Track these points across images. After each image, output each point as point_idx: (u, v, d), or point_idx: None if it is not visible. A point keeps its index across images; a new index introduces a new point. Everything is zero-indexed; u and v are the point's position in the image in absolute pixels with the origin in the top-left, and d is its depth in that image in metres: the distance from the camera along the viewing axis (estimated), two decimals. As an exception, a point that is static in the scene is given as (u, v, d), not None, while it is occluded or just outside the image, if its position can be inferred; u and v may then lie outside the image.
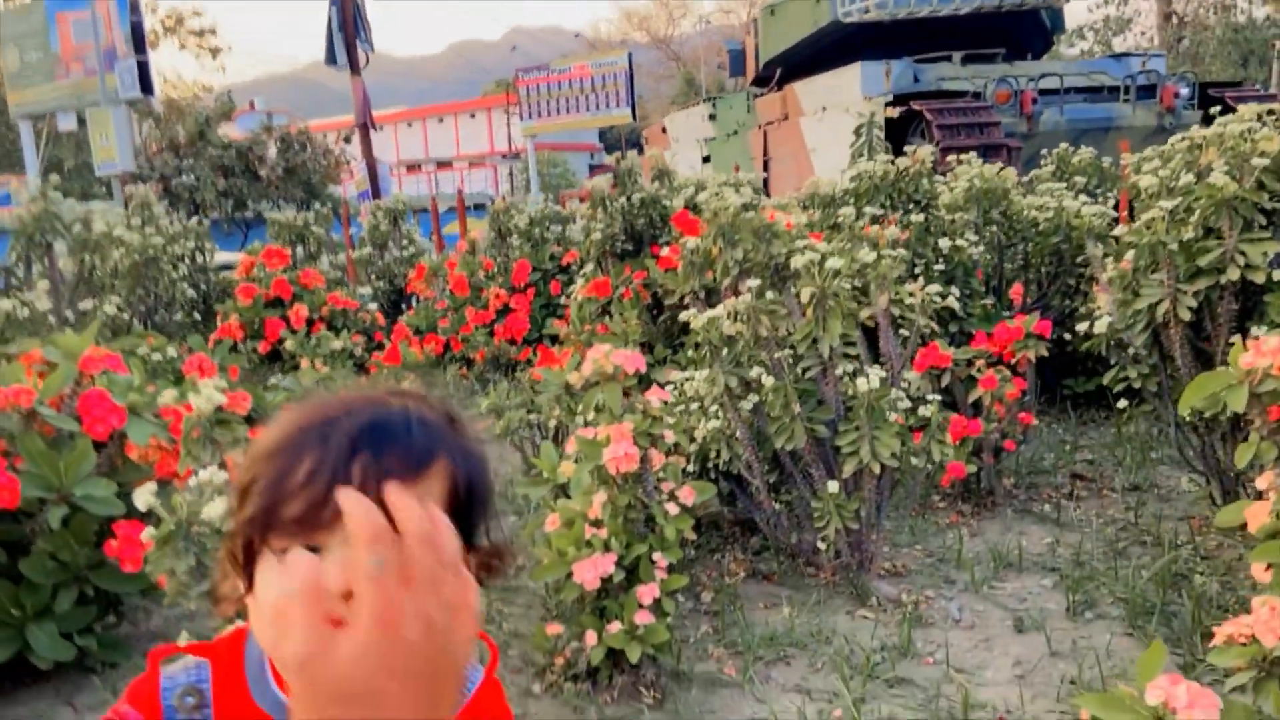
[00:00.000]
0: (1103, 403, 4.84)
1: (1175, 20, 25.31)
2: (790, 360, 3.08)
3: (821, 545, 3.05)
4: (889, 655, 2.72)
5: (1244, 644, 1.61)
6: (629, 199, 4.89)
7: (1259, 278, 2.98)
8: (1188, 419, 3.33)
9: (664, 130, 16.40)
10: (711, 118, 14.09)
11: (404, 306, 8.70)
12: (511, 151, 46.22)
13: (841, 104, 10.97)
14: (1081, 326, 3.50)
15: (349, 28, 15.98)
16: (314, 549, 0.60)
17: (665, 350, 4.57)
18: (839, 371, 2.91)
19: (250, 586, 0.62)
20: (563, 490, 3.11)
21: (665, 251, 4.53)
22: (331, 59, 16.06)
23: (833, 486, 2.93)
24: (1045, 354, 3.73)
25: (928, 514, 3.73)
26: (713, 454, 3.20)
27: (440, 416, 0.71)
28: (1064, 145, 6.58)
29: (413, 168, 40.95)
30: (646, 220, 4.91)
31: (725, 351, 3.08)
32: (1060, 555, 3.31)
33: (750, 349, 3.07)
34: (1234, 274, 3.01)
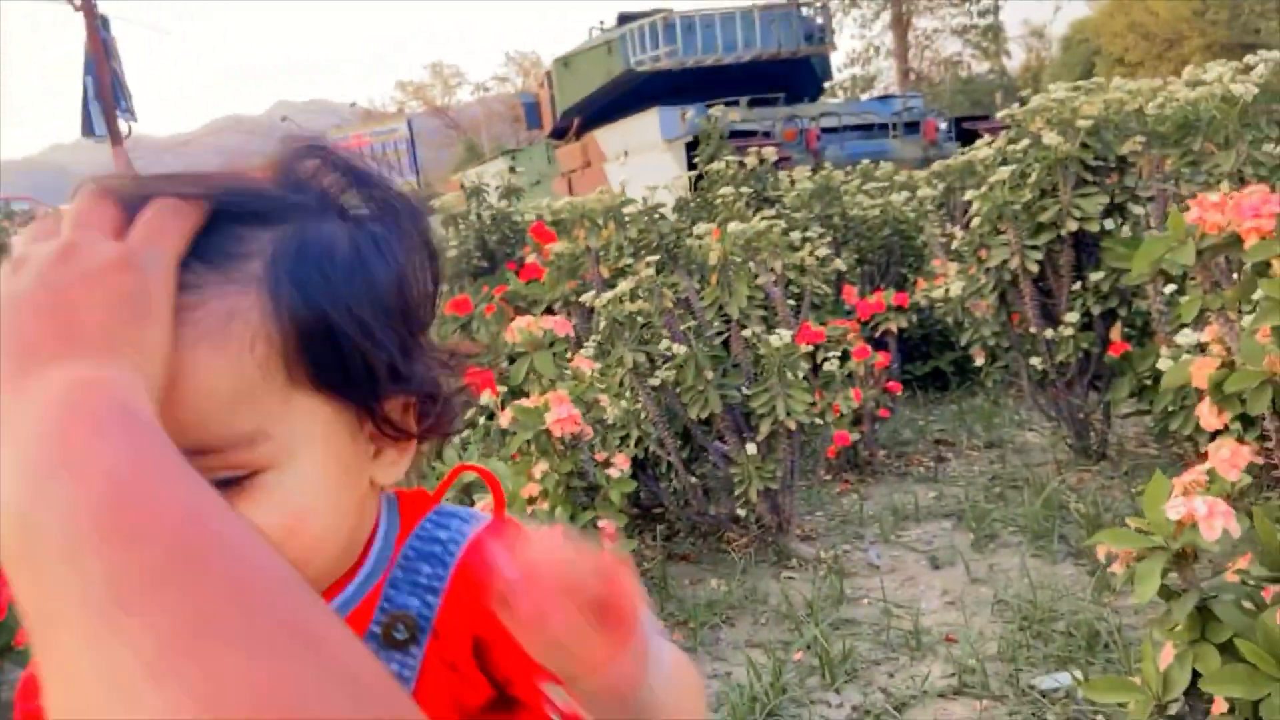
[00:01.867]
0: (938, 384, 5.20)
1: (913, 77, 28.09)
2: (694, 331, 3.12)
3: (741, 511, 3.08)
4: (825, 604, 2.77)
5: (1203, 490, 1.76)
6: (479, 215, 4.83)
7: (1093, 227, 3.33)
8: (1039, 368, 3.65)
9: (461, 185, 16.29)
10: (512, 170, 14.14)
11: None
12: (287, 226, 44.37)
13: (643, 147, 11.36)
14: (937, 293, 3.77)
15: (106, 94, 14.92)
16: None
17: (534, 361, 4.51)
18: (747, 333, 2.98)
19: None
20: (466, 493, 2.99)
21: (529, 261, 4.50)
22: (89, 129, 14.90)
23: (751, 449, 2.98)
24: (905, 326, 3.97)
25: (816, 486, 3.85)
26: (616, 441, 3.17)
27: (289, 189, 0.54)
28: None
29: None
30: (499, 237, 4.86)
31: (627, 331, 3.08)
32: (948, 505, 3.50)
33: (655, 325, 3.09)
34: (1072, 226, 3.35)
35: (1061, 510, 3.23)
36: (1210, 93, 2.84)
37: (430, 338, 0.59)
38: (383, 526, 0.59)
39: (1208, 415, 1.83)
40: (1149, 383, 3.35)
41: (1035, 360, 3.64)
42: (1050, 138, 3.27)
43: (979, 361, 3.82)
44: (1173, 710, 1.50)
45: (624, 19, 12.75)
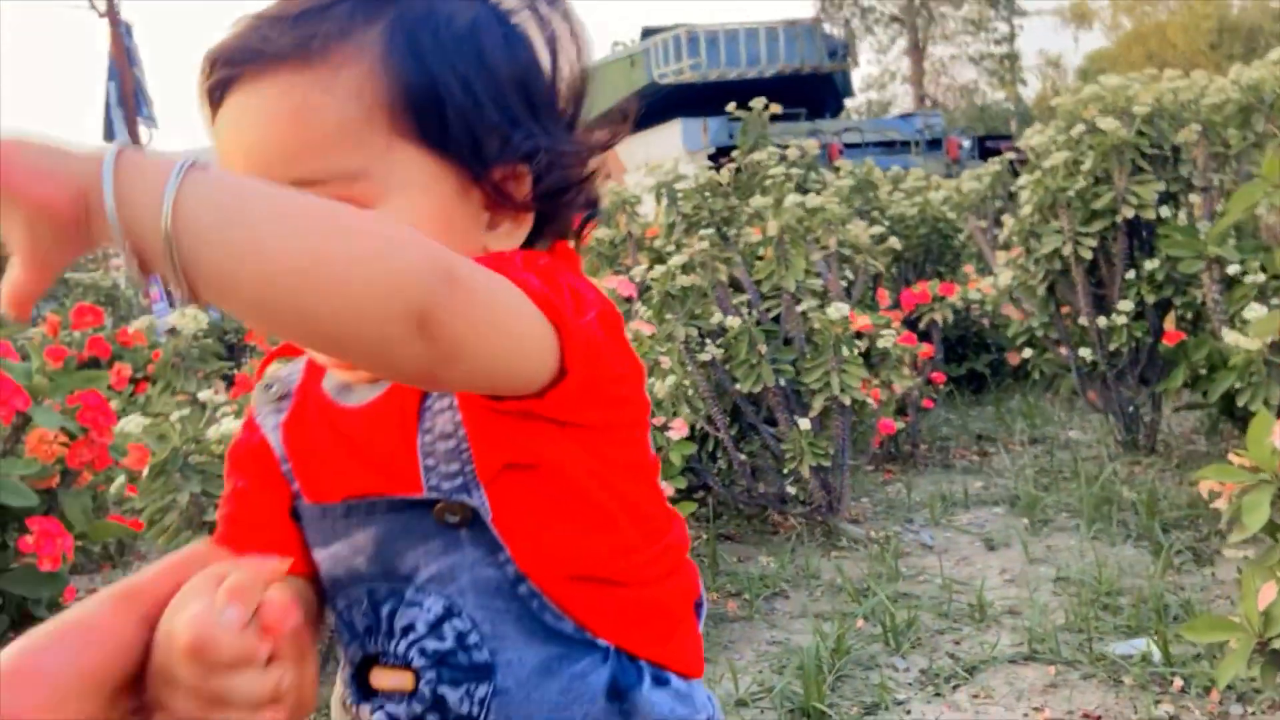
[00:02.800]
0: (974, 386, 5.16)
1: (928, 103, 28.20)
2: (746, 306, 3.10)
3: (792, 489, 3.04)
4: (879, 581, 2.73)
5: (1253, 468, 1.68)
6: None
7: (1150, 214, 3.31)
8: (1089, 360, 3.62)
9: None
10: (531, 181, 14.25)
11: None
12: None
13: (665, 158, 11.42)
14: (974, 294, 3.74)
15: (129, 101, 15.06)
16: None
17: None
18: (801, 308, 2.96)
19: None
20: None
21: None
22: (111, 135, 15.06)
23: (804, 423, 2.95)
24: (949, 316, 3.95)
25: (860, 474, 3.81)
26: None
27: None
28: None
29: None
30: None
31: (679, 305, 3.06)
32: (997, 493, 3.46)
33: (708, 298, 3.07)
34: (1128, 213, 3.33)
35: (1114, 498, 3.19)
36: (1274, 74, 2.83)
37: (561, 121, 0.63)
38: None
39: None
40: (1203, 372, 3.32)
41: (1085, 351, 3.61)
42: (1107, 123, 3.26)
43: (1019, 360, 3.79)
44: (1277, 645, 1.46)
45: (647, 33, 12.85)
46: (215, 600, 0.46)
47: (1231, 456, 1.54)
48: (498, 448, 0.57)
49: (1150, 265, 3.37)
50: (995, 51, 28.67)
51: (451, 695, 0.58)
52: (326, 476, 0.62)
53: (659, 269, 3.03)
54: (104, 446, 2.70)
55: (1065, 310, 3.70)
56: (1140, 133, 3.32)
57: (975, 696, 2.07)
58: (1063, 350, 3.72)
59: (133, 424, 1.82)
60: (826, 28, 12.15)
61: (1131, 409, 3.68)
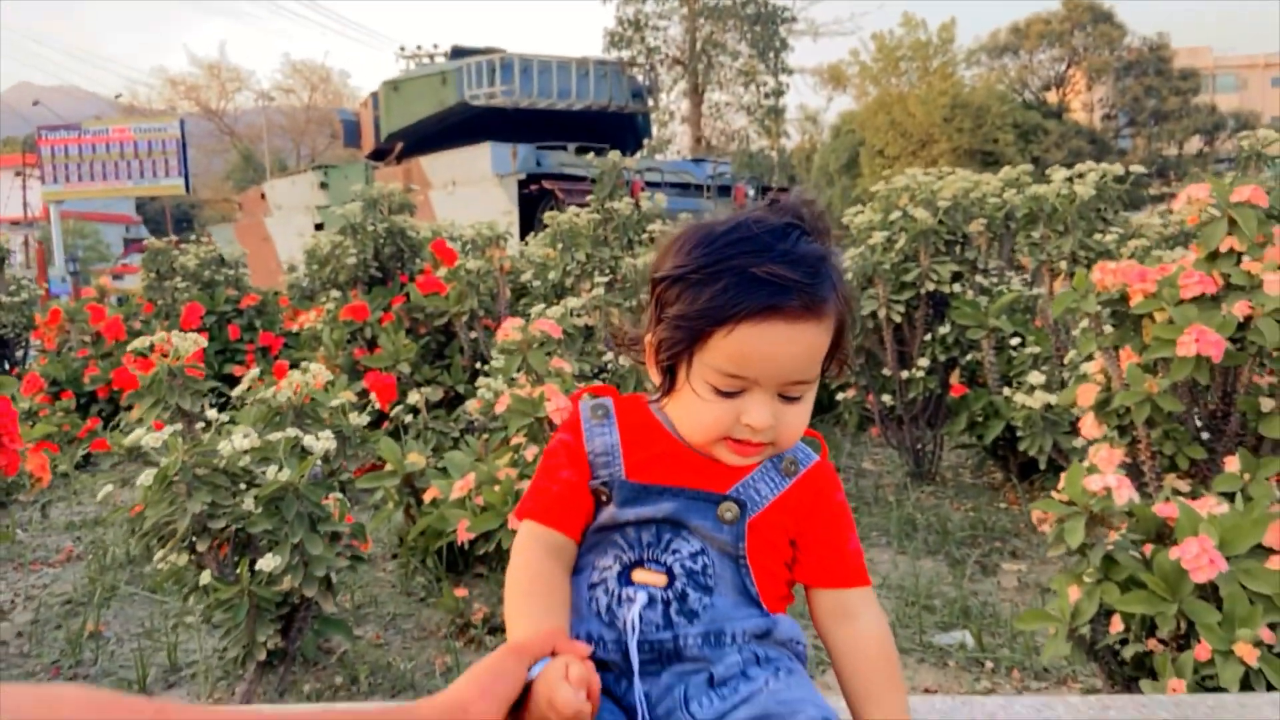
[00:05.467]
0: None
1: (703, 144, 29.91)
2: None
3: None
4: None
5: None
6: (375, 226, 4.99)
7: (946, 289, 4.06)
8: (887, 404, 4.33)
9: (263, 196, 15.77)
10: (323, 185, 13.94)
11: (7, 363, 7.50)
12: (27, 219, 40.33)
13: (472, 180, 11.63)
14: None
15: None
16: (730, 394, 0.93)
17: (431, 371, 4.71)
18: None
19: (673, 384, 0.98)
20: (407, 481, 3.22)
21: (427, 275, 4.72)
22: None
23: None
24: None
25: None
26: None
27: (818, 222, 0.97)
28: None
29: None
30: (394, 249, 5.03)
31: (576, 343, 3.43)
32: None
33: (596, 342, 3.46)
34: (929, 286, 4.06)
35: (914, 521, 3.88)
36: (1054, 190, 3.63)
37: None
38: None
39: (1090, 427, 2.45)
40: (979, 420, 4.10)
41: (886, 397, 4.33)
42: (919, 213, 3.98)
43: (840, 397, 4.46)
44: (1082, 631, 2.06)
45: (459, 53, 13.03)
46: (572, 685, 0.85)
47: (1054, 493, 2.14)
48: (771, 523, 1.01)
49: (943, 330, 4.12)
50: (764, 104, 30.85)
51: (692, 595, 0.97)
52: (654, 469, 1.00)
53: (555, 309, 3.38)
54: (14, 452, 2.70)
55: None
56: (941, 221, 4.08)
57: (840, 679, 2.58)
58: (870, 396, 4.42)
59: (147, 437, 1.95)
60: (633, 70, 12.78)
61: (919, 446, 4.43)
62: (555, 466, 1.02)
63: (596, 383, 3.39)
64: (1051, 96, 33.31)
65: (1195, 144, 31.14)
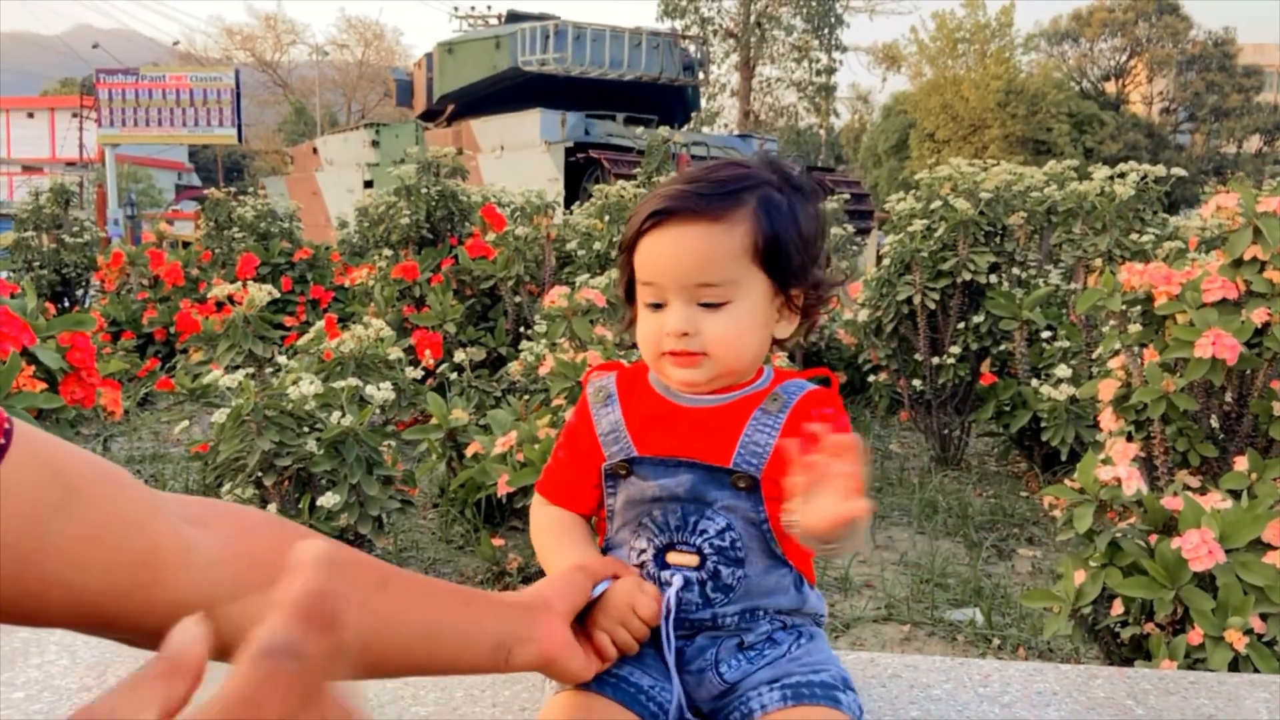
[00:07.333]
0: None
1: (752, 118, 29.76)
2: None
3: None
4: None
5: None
6: (428, 189, 5.14)
7: (982, 279, 4.14)
8: (917, 389, 4.43)
9: (315, 151, 16.02)
10: (374, 144, 14.15)
11: (68, 301, 7.80)
12: (82, 161, 41.06)
13: (520, 145, 11.76)
14: (847, 315, 4.47)
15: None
16: (657, 306, 1.00)
17: (475, 332, 4.87)
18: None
19: (634, 318, 1.05)
20: (450, 436, 3.39)
21: (476, 239, 4.87)
22: None
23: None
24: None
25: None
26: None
27: (770, 171, 1.03)
28: None
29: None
30: (445, 212, 5.19)
31: (616, 313, 3.56)
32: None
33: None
34: (965, 276, 4.14)
35: (936, 503, 3.99)
36: (1094, 188, 3.69)
37: (820, 262, 1.10)
38: (768, 368, 1.11)
39: (1108, 420, 2.55)
40: (1006, 409, 4.19)
41: (916, 382, 4.42)
42: (960, 203, 4.05)
43: (843, 379, 4.56)
44: (1084, 611, 2.18)
45: (514, 17, 13.12)
46: (645, 593, 1.00)
47: (1067, 481, 2.25)
48: (780, 466, 1.07)
49: (976, 319, 4.20)
50: (816, 81, 30.58)
51: (724, 571, 1.05)
52: (663, 441, 1.06)
53: (600, 279, 3.52)
54: (92, 386, 2.90)
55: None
56: (981, 212, 4.15)
57: (853, 644, 2.72)
58: (901, 380, 4.52)
59: (224, 378, 2.12)
60: (684, 42, 12.80)
61: (946, 432, 4.53)
62: (558, 447, 1.13)
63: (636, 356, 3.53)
64: (1110, 87, 32.67)
65: (1255, 143, 30.47)
